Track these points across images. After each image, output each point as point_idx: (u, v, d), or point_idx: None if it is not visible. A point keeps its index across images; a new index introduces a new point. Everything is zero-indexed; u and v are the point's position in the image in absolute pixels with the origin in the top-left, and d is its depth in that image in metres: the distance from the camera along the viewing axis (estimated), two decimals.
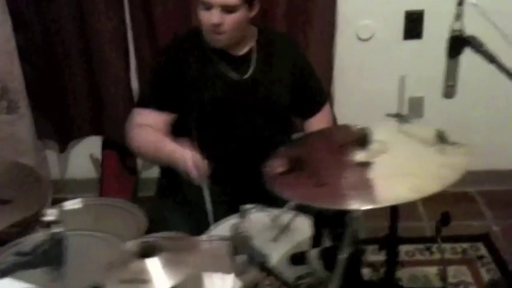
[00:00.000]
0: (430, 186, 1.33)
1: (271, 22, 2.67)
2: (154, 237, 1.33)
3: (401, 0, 2.77)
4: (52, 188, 2.87)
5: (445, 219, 1.88)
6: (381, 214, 1.47)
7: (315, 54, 2.71)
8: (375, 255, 1.91)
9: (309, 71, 2.18)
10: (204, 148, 1.83)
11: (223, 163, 1.88)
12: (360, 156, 1.45)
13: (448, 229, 1.76)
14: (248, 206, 1.61)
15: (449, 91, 1.62)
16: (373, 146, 1.47)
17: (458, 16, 1.54)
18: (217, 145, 2.00)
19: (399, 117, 1.66)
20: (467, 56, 1.57)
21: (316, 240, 1.52)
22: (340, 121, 2.74)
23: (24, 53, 2.74)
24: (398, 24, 2.81)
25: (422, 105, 2.92)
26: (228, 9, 1.89)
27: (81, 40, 2.77)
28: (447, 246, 2.57)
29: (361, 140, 1.46)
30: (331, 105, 2.73)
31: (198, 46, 2.01)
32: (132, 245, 1.30)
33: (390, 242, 1.68)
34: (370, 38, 2.82)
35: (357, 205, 1.30)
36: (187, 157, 1.77)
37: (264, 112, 2.05)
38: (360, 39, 2.83)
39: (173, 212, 1.98)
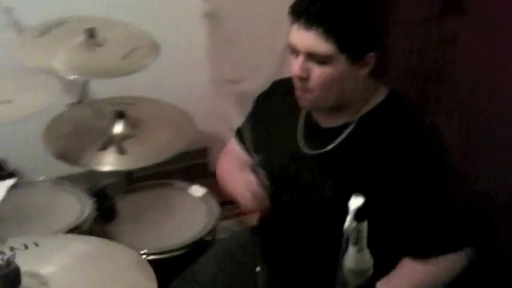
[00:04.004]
0: None
1: None
2: None
3: None
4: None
5: None
6: None
7: None
8: None
9: (421, 197, 1.42)
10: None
11: (275, 239, 1.63)
12: None
13: None
14: None
15: None
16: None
17: None
18: (271, 218, 1.65)
19: None
20: None
21: None
22: None
23: None
24: None
25: None
26: (317, 59, 1.40)
27: None
28: None
29: None
30: None
31: (289, 99, 1.57)
32: None
33: None
34: None
35: None
36: (243, 186, 1.56)
37: (311, 208, 1.54)
38: None
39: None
